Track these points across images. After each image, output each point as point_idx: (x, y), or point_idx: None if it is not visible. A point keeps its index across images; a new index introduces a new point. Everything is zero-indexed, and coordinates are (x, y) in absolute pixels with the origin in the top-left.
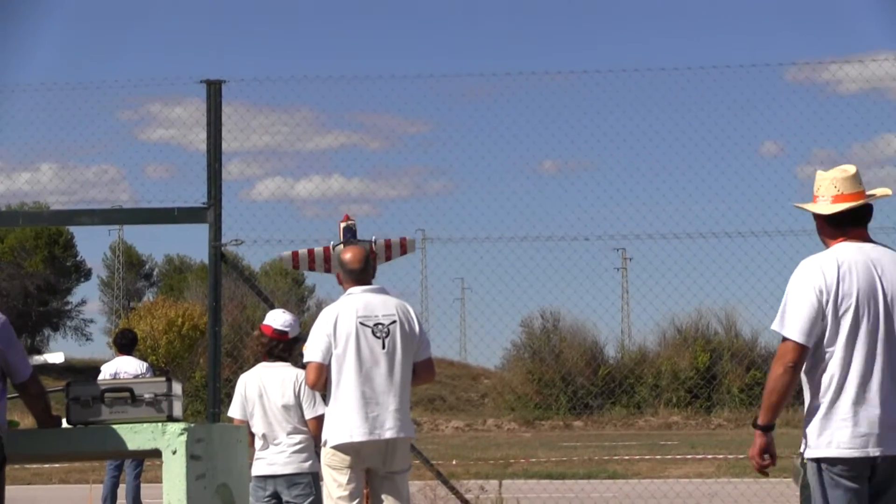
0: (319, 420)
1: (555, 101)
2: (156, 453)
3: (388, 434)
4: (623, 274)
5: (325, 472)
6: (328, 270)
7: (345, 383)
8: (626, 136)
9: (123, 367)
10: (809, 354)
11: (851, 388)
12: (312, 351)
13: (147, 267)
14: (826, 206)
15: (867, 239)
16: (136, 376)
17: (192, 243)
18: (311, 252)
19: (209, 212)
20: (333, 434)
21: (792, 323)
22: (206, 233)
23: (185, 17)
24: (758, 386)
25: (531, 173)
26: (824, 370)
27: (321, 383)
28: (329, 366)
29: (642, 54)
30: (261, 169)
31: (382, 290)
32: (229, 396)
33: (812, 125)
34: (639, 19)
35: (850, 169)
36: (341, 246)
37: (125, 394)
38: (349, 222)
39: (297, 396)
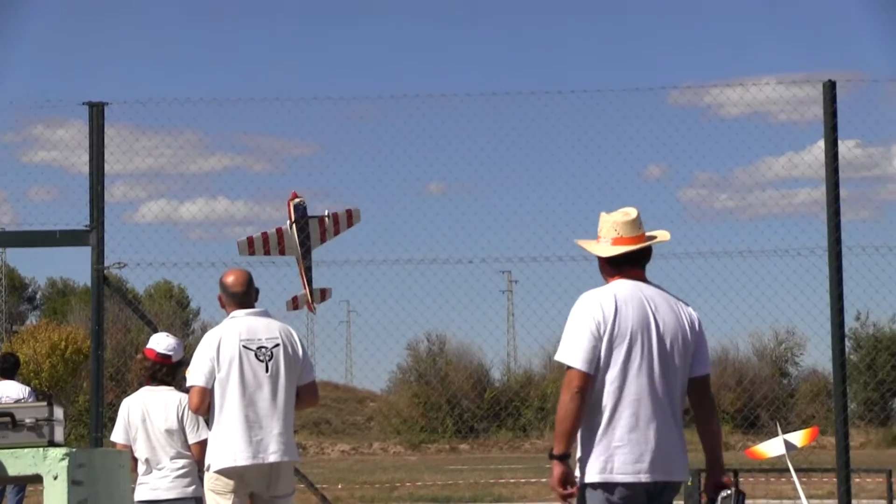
0: (203, 444)
1: (439, 124)
2: (37, 479)
3: (272, 458)
4: (509, 297)
5: (209, 497)
6: (282, 252)
7: (228, 407)
8: (510, 160)
9: (5, 392)
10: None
11: (626, 415)
12: (195, 375)
13: (30, 290)
14: (605, 248)
15: (643, 278)
16: (18, 401)
17: (75, 266)
18: (264, 235)
19: (91, 234)
20: (217, 458)
21: (574, 352)
22: (88, 255)
23: (69, 38)
24: None
25: (416, 196)
26: (600, 398)
27: (204, 407)
28: (212, 390)
29: (531, 77)
30: (144, 191)
31: (266, 313)
32: (113, 421)
33: (694, 148)
34: (529, 42)
35: (632, 213)
36: (292, 226)
37: (6, 418)
38: (298, 199)
39: (181, 421)
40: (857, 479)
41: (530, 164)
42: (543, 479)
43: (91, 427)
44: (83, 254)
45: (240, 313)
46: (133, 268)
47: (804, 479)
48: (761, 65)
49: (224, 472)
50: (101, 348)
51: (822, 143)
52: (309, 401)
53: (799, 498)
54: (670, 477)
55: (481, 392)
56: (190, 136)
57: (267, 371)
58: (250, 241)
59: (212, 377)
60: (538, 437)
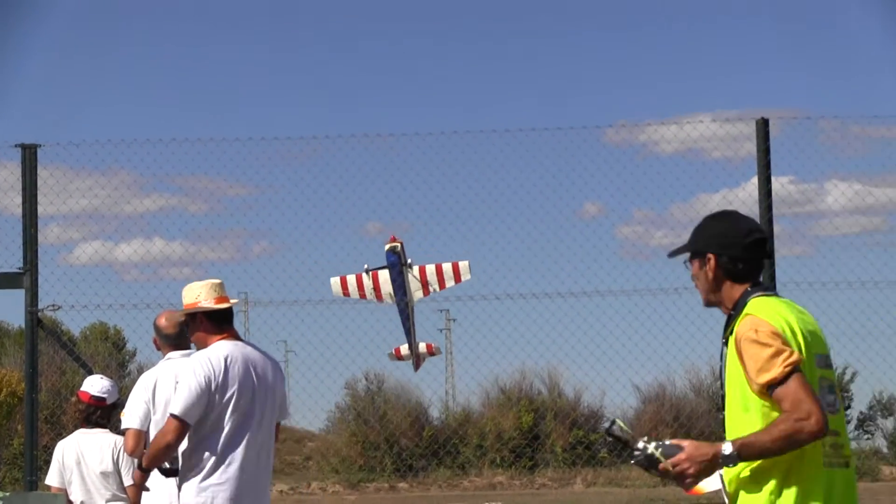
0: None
1: (375, 164)
2: None
3: None
4: (447, 335)
5: None
6: (379, 298)
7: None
8: (447, 199)
9: None
10: (193, 430)
11: (225, 459)
12: (131, 417)
13: None
14: (212, 304)
15: (239, 337)
16: None
17: (8, 309)
18: (359, 277)
19: (25, 277)
20: (156, 500)
21: (180, 404)
22: (22, 298)
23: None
24: (580, 445)
25: (352, 235)
26: (204, 444)
27: (139, 450)
28: (148, 432)
29: (467, 117)
30: (79, 233)
31: None
32: (48, 464)
33: (630, 186)
34: (465, 83)
35: (219, 280)
36: (367, 273)
37: None
38: (393, 244)
39: (116, 463)
40: None
41: (467, 204)
42: None
43: (25, 470)
44: (17, 296)
45: (175, 355)
46: (68, 310)
47: None
48: (696, 103)
49: None
50: (35, 391)
51: (756, 180)
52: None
53: None
54: None
55: (420, 430)
56: (125, 177)
57: None
58: (343, 281)
59: (147, 419)
60: (477, 474)
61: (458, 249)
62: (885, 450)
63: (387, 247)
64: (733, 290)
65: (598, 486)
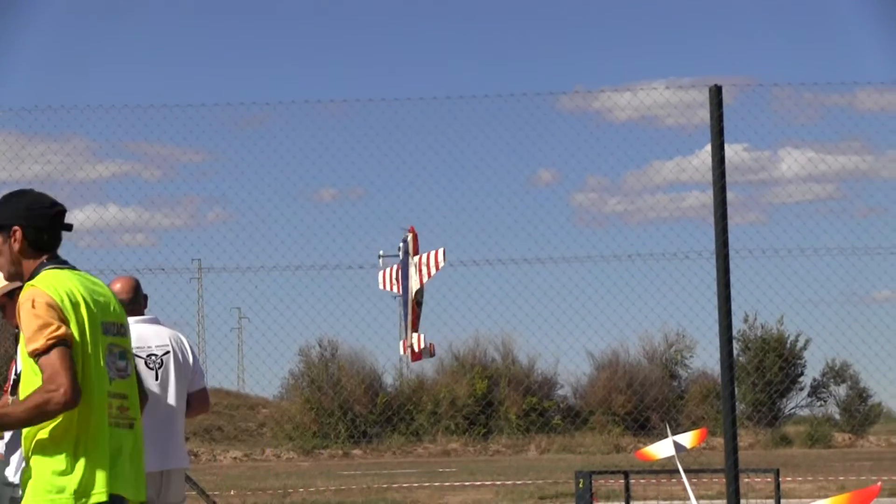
0: None
1: (329, 130)
2: None
3: (162, 465)
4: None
5: None
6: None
7: None
8: (401, 166)
9: None
10: None
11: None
12: None
13: None
14: None
15: None
16: None
17: None
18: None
19: None
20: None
21: None
22: None
23: None
24: (534, 412)
25: (306, 202)
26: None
27: None
28: None
29: (422, 83)
30: None
31: (155, 321)
32: None
33: (584, 153)
34: (418, 48)
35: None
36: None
37: None
38: (408, 235)
39: None
40: (746, 479)
41: (421, 170)
42: (436, 483)
43: None
44: None
45: (129, 321)
46: None
47: (694, 480)
48: (651, 70)
49: None
50: None
51: (709, 148)
52: (200, 408)
53: (689, 498)
54: None
55: (374, 397)
56: (78, 143)
57: (157, 379)
58: (383, 275)
59: None
60: (431, 441)
61: (410, 214)
62: (837, 416)
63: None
64: (33, 262)
65: (551, 452)
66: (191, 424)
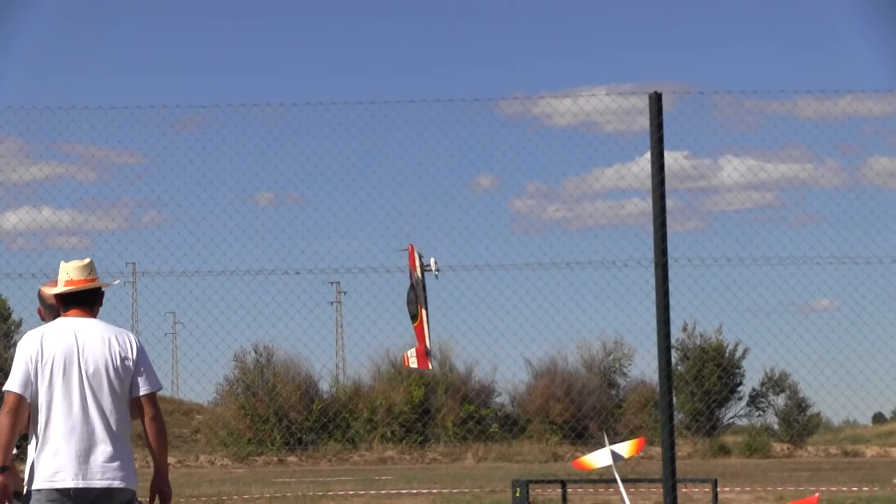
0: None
1: (265, 134)
2: None
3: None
4: (337, 308)
5: None
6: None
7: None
8: (338, 170)
9: None
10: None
11: (55, 431)
12: (11, 381)
13: None
14: (59, 288)
15: (87, 315)
16: None
17: None
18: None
19: None
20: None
21: (11, 379)
22: None
23: None
24: (471, 420)
25: (241, 206)
26: (37, 418)
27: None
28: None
29: (362, 88)
30: None
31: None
32: None
33: (522, 159)
34: (360, 52)
35: (85, 261)
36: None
37: None
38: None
39: None
40: (684, 490)
41: (358, 175)
42: (373, 491)
43: None
44: None
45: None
46: None
47: (631, 490)
48: (592, 76)
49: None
50: None
51: (649, 155)
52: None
53: None
54: (94, 483)
55: (309, 403)
56: (11, 144)
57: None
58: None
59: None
60: (367, 448)
61: (347, 220)
62: (776, 426)
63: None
64: None
65: (488, 460)
66: None
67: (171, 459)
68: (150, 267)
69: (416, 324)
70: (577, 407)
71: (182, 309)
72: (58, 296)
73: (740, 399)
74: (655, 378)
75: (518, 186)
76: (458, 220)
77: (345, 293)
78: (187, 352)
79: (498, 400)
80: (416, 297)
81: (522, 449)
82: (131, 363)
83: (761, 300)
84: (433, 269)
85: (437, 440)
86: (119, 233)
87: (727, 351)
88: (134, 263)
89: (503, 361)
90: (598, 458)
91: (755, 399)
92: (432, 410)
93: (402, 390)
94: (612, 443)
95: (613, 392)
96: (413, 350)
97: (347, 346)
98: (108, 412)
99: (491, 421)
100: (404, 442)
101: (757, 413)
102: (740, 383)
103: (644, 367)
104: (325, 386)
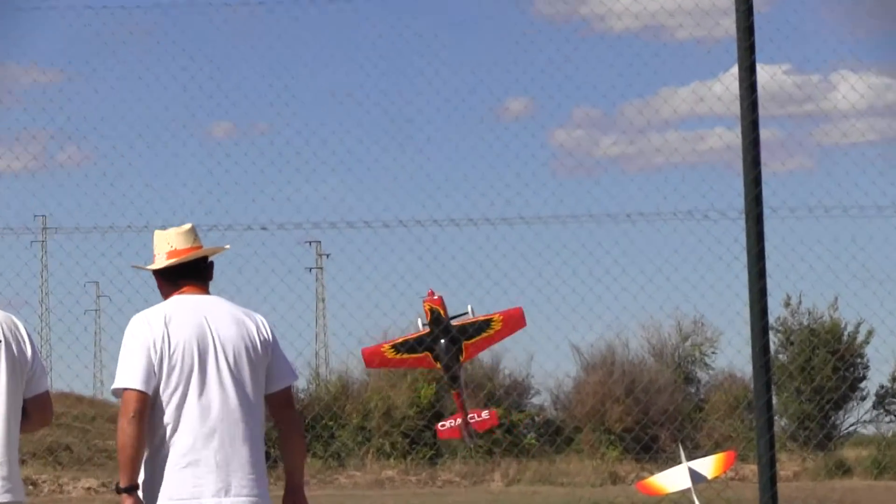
0: None
1: (222, 41)
2: None
3: None
4: (318, 275)
5: None
6: (428, 365)
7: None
8: (316, 89)
9: None
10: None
11: (188, 436)
12: (129, 376)
13: None
14: (157, 263)
15: (204, 291)
16: None
17: None
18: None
19: None
20: None
21: (127, 375)
22: None
23: None
24: (499, 427)
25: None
26: (161, 420)
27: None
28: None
29: None
30: None
31: None
32: None
33: (567, 77)
34: None
35: (186, 226)
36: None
37: None
38: (433, 300)
39: None
40: None
41: (346, 98)
42: None
43: None
44: None
45: None
46: None
47: None
48: None
49: None
50: None
51: (735, 70)
52: (39, 419)
53: None
54: (237, 497)
55: None
56: None
57: None
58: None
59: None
60: (358, 466)
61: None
62: None
63: (431, 305)
64: None
65: (522, 483)
66: (28, 443)
67: (92, 482)
68: (66, 221)
69: (454, 390)
70: (643, 410)
71: (108, 278)
72: (161, 272)
73: (864, 399)
74: (748, 370)
75: (561, 113)
76: (481, 157)
77: (327, 256)
78: (115, 336)
79: (535, 401)
80: (450, 352)
81: (569, 467)
82: (270, 349)
83: (889, 264)
84: (470, 315)
85: (452, 455)
86: (25, 175)
87: (845, 333)
88: (44, 216)
89: (542, 348)
90: (673, 480)
91: (884, 399)
92: (446, 415)
93: (406, 388)
94: (690, 458)
95: (692, 390)
96: (452, 422)
97: (331, 328)
98: (250, 411)
99: (526, 429)
100: (409, 458)
101: (888, 418)
102: (864, 377)
103: (733, 355)
104: (301, 382)
